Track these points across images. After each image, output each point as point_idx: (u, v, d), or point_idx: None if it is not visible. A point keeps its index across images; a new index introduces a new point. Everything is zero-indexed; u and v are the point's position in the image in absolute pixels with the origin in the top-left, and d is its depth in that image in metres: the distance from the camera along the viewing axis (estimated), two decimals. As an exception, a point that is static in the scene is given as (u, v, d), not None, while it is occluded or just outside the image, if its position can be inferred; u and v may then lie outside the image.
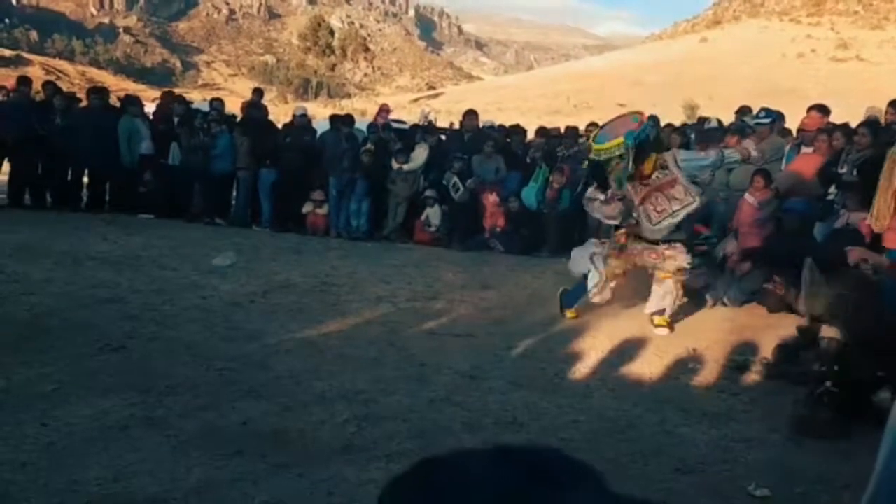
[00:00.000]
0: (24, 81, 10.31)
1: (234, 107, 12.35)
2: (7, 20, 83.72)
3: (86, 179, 10.23)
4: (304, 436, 3.35)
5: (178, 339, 4.69)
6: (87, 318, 4.93)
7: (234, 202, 10.30)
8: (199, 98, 13.63)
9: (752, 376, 4.43)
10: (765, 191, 6.71)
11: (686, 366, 4.61)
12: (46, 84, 11.22)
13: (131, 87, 48.59)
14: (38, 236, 7.50)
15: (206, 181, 9.87)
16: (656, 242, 5.27)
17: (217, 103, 10.89)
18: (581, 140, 9.46)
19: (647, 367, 4.57)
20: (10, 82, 10.33)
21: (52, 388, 3.66)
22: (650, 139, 5.13)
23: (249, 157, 9.86)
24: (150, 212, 9.75)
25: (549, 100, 65.76)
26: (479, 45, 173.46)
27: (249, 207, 10.19)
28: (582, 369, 4.52)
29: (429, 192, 9.50)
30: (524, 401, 3.91)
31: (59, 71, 60.82)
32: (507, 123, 11.25)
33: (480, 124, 10.53)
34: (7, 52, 64.66)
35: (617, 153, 4.95)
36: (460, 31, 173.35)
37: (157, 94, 15.69)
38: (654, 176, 5.13)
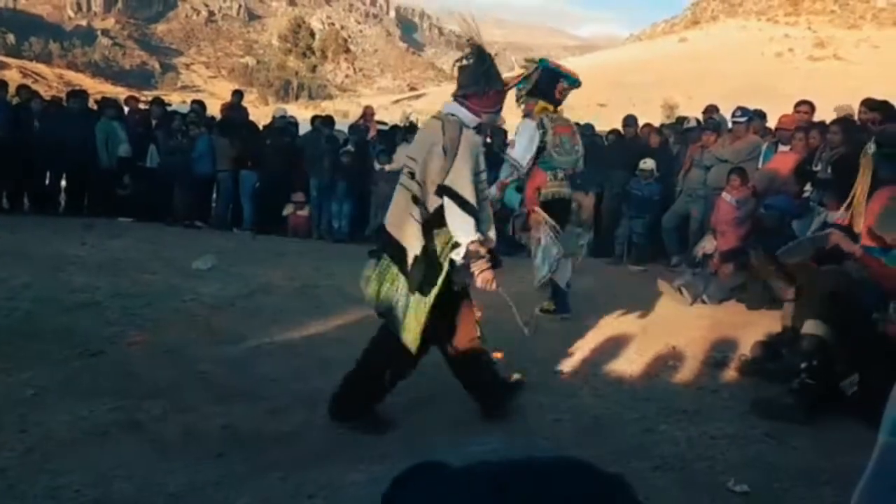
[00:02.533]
0: (1, 85, 10.18)
1: (214, 109, 12.28)
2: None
3: (63, 183, 10.13)
4: (287, 438, 3.34)
5: (159, 343, 4.65)
6: (67, 324, 4.88)
7: (214, 205, 10.24)
8: (178, 100, 13.55)
9: (732, 373, 4.48)
10: (742, 189, 6.78)
11: (666, 363, 4.65)
12: (21, 87, 11.09)
13: (109, 89, 48.14)
14: (16, 241, 7.42)
15: (185, 184, 9.81)
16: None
17: (197, 105, 10.83)
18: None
19: (628, 365, 4.60)
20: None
21: (30, 394, 3.63)
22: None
23: (229, 160, 9.81)
24: (129, 215, 9.67)
25: (530, 100, 65.84)
26: (461, 46, 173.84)
27: (230, 210, 10.14)
28: (565, 369, 4.55)
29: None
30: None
31: (37, 74, 60.11)
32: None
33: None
34: (-17, 56, 63.84)
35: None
36: (441, 31, 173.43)
37: (134, 95, 15.52)
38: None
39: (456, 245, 3.27)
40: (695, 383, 4.34)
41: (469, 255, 3.25)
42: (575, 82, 5.65)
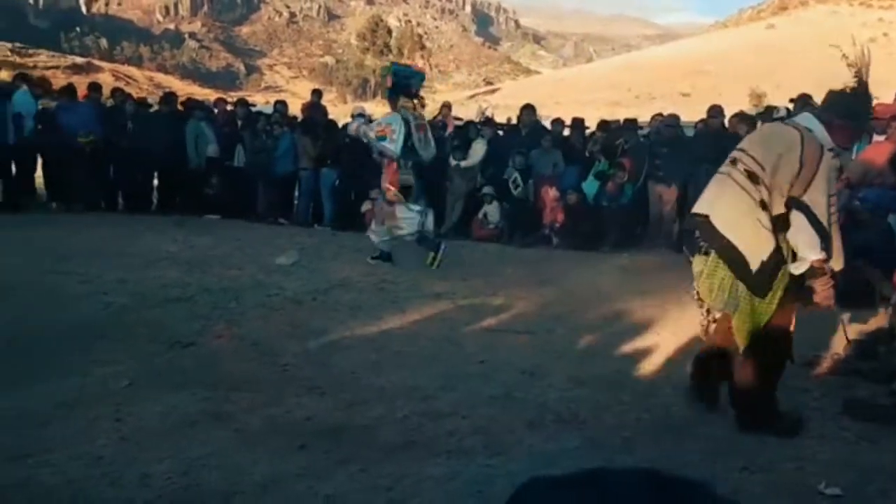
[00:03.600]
0: (95, 87, 10.73)
1: (295, 108, 12.58)
2: (78, 29, 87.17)
3: (155, 182, 10.59)
4: (366, 431, 3.40)
5: (245, 336, 4.81)
6: (159, 317, 5.11)
7: (296, 202, 10.49)
8: (262, 101, 13.95)
9: (823, 372, 4.28)
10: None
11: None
12: (115, 90, 11.64)
13: (197, 91, 50.04)
14: (112, 238, 7.80)
15: (269, 182, 10.09)
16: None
17: (280, 105, 11.12)
18: (641, 131, 9.31)
19: (712, 363, 4.46)
20: (83, 89, 10.77)
21: (125, 385, 3.81)
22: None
23: (311, 158, 10.03)
24: (216, 213, 10.02)
25: (609, 91, 64.72)
26: (537, 39, 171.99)
27: (311, 207, 10.37)
28: (646, 366, 4.45)
29: (486, 189, 9.47)
30: (585, 398, 3.86)
31: (128, 77, 63.04)
32: (566, 117, 11.13)
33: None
34: (79, 60, 67.31)
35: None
36: (518, 25, 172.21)
37: (221, 96, 16.07)
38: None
39: (794, 257, 3.22)
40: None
41: (811, 272, 3.20)
42: (422, 78, 7.29)
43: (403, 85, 6.93)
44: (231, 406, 3.60)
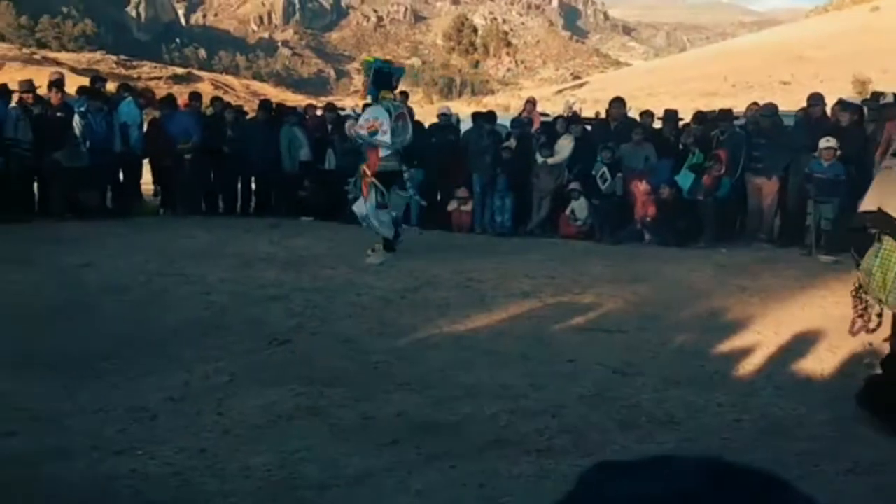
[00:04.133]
0: (196, 96, 11.25)
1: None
2: (178, 40, 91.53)
3: (253, 186, 10.99)
4: (455, 428, 3.42)
5: (337, 333, 4.93)
6: (257, 315, 5.31)
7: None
8: (351, 105, 14.23)
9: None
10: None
11: (862, 361, 4.24)
12: (215, 99, 12.15)
13: (290, 97, 51.70)
14: (212, 240, 8.15)
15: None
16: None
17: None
18: (737, 121, 8.95)
19: (817, 363, 4.25)
20: (184, 98, 11.31)
21: (226, 380, 3.98)
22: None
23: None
24: (310, 214, 10.32)
25: (704, 81, 62.56)
26: (627, 30, 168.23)
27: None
28: (745, 366, 4.28)
29: (573, 185, 9.34)
30: (680, 398, 3.76)
31: (226, 85, 65.68)
32: (659, 109, 10.84)
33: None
34: (180, 70, 70.67)
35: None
36: (606, 17, 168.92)
37: (312, 102, 16.58)
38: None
39: None
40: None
41: None
42: (402, 72, 8.00)
43: (385, 79, 7.52)
44: (325, 401, 3.71)
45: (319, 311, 5.50)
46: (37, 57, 56.03)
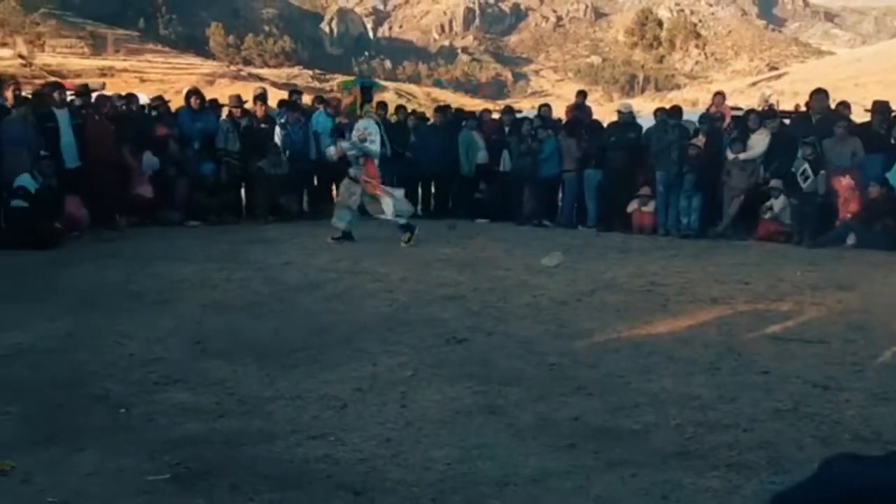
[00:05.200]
0: (382, 106, 11.83)
1: (560, 111, 12.71)
2: (367, 52, 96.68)
3: (432, 189, 11.37)
4: (636, 436, 3.31)
5: (513, 333, 4.96)
6: (436, 313, 5.47)
7: (560, 204, 10.59)
8: (528, 106, 14.31)
9: None
10: None
11: None
12: (399, 107, 12.69)
13: (468, 102, 52.83)
14: (396, 240, 8.52)
15: (534, 185, 10.31)
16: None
17: (544, 109, 11.31)
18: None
19: None
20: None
21: (409, 375, 4.13)
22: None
23: (575, 159, 10.06)
24: (485, 216, 10.49)
25: (919, 69, 55.86)
26: (830, 17, 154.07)
27: (575, 208, 10.40)
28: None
29: (773, 183, 8.71)
30: (890, 416, 3.39)
31: (409, 94, 68.45)
32: (867, 100, 9.84)
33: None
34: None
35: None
36: (806, 3, 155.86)
37: (488, 106, 16.83)
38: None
39: None
40: None
41: None
42: (377, 86, 8.72)
43: (368, 94, 8.76)
44: (502, 400, 3.74)
45: (495, 311, 5.56)
46: (243, 73, 61.69)
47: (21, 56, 54.23)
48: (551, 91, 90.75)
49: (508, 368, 4.24)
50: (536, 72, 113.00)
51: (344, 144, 8.25)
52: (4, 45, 58.29)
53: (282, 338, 4.81)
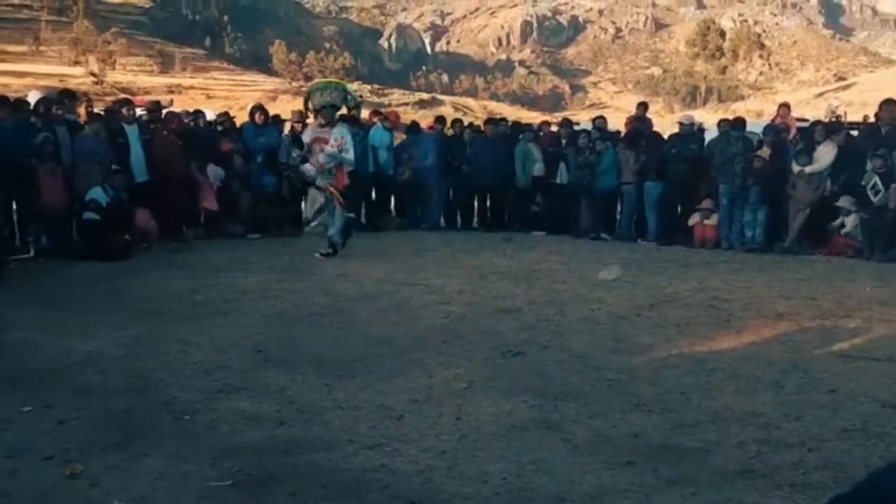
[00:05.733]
0: (440, 120, 11.95)
1: (619, 123, 12.59)
2: (424, 67, 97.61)
3: (488, 202, 11.36)
4: (697, 454, 3.24)
5: (569, 348, 4.91)
6: (492, 326, 5.47)
7: (619, 217, 10.46)
8: (586, 119, 14.22)
9: None
10: None
11: None
12: (455, 121, 12.76)
13: (525, 115, 52.79)
14: (450, 253, 8.56)
15: (592, 197, 10.21)
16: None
17: (600, 121, 11.22)
18: None
19: None
20: (428, 121, 12.05)
21: (464, 387, 4.14)
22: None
23: (634, 172, 9.93)
24: (542, 229, 10.43)
25: None
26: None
27: (634, 221, 10.25)
28: None
29: (843, 202, 8.44)
30: (971, 440, 3.22)
31: (466, 107, 68.78)
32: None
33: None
34: (424, 96, 75.26)
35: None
36: (875, 11, 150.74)
37: (546, 118, 16.80)
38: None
39: None
40: None
41: None
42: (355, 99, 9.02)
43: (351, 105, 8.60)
44: (558, 415, 3.70)
45: (551, 324, 5.52)
46: (304, 89, 63.16)
47: (93, 74, 56.62)
48: (610, 103, 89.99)
49: (565, 383, 4.20)
50: (595, 84, 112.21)
51: (322, 158, 7.95)
52: (78, 63, 60.99)
53: (339, 348, 4.88)
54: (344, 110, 8.66)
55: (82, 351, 4.67)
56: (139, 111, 9.66)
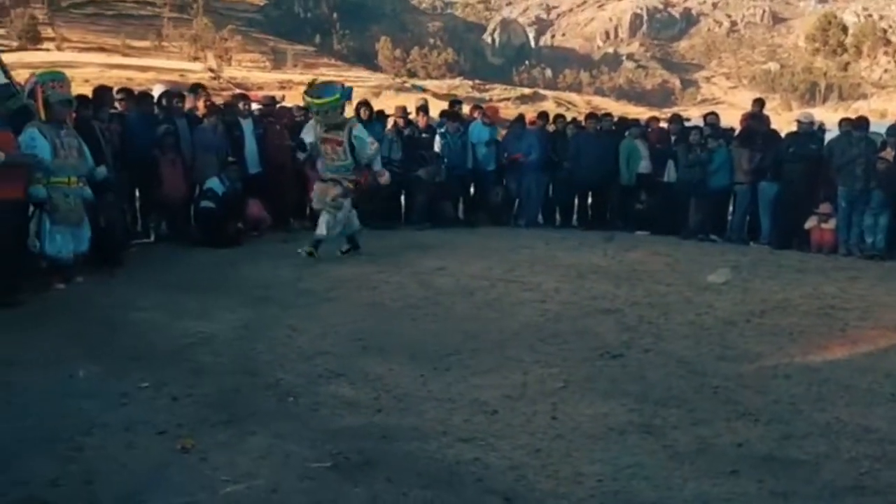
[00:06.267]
0: (542, 115, 11.83)
1: (732, 119, 12.08)
2: (527, 62, 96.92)
3: (589, 199, 11.17)
4: (805, 467, 3.09)
5: (672, 352, 4.78)
6: (590, 326, 5.38)
7: (730, 218, 10.05)
8: (697, 115, 13.72)
9: None
10: None
11: None
12: (557, 116, 12.57)
13: (631, 110, 51.52)
14: (549, 250, 8.47)
15: (701, 197, 9.86)
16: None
17: (712, 117, 10.80)
18: None
19: None
20: (531, 117, 11.94)
21: (560, 386, 4.10)
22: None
23: (748, 171, 9.52)
24: (646, 229, 10.16)
25: None
26: None
27: (746, 223, 9.83)
28: None
29: None
30: None
31: (569, 102, 67.79)
32: None
33: None
34: (526, 90, 74.68)
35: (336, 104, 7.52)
36: None
37: (654, 114, 16.35)
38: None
39: None
40: None
41: None
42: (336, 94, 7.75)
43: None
44: (659, 420, 3.61)
45: (654, 327, 5.38)
46: (407, 85, 63.96)
47: (211, 69, 59.49)
48: (723, 99, 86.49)
49: (666, 388, 4.10)
50: (707, 79, 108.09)
51: (377, 167, 7.78)
52: (196, 58, 64.24)
53: (435, 340, 4.93)
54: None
55: (197, 332, 4.93)
56: (254, 106, 10.07)
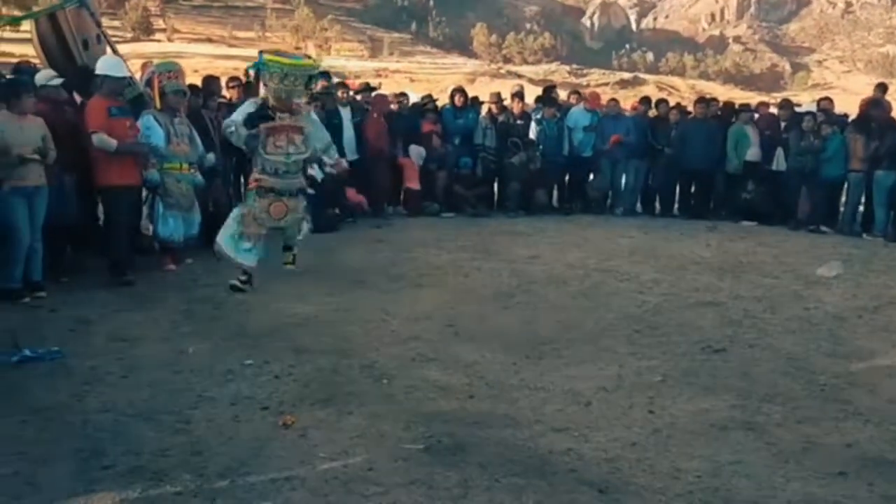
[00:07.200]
0: (644, 100, 11.51)
1: (846, 105, 11.38)
2: (628, 45, 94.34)
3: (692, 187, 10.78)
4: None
5: (778, 348, 4.58)
6: (690, 319, 5.22)
7: (842, 208, 9.49)
8: (808, 100, 12.98)
9: None
10: None
11: None
12: (660, 101, 12.19)
13: (738, 95, 49.31)
14: (647, 241, 8.25)
15: (813, 186, 9.36)
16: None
17: (826, 103, 10.20)
18: None
19: None
20: (633, 102, 11.62)
21: (657, 380, 4.00)
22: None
23: (864, 159, 8.96)
24: (752, 219, 9.73)
25: None
26: None
27: (860, 214, 9.27)
28: None
29: None
30: None
31: (671, 87, 65.52)
32: None
33: None
34: (626, 75, 72.67)
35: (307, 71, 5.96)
36: None
37: (763, 99, 15.59)
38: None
39: None
40: None
41: None
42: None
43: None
44: (763, 417, 3.48)
45: (759, 322, 5.17)
46: (502, 71, 63.58)
47: (309, 58, 61.16)
48: (836, 83, 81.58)
49: (772, 384, 3.93)
50: (820, 62, 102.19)
51: (333, 157, 6.55)
52: (298, 48, 66.11)
53: (528, 329, 4.91)
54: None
55: (298, 313, 5.10)
56: (351, 93, 10.25)
